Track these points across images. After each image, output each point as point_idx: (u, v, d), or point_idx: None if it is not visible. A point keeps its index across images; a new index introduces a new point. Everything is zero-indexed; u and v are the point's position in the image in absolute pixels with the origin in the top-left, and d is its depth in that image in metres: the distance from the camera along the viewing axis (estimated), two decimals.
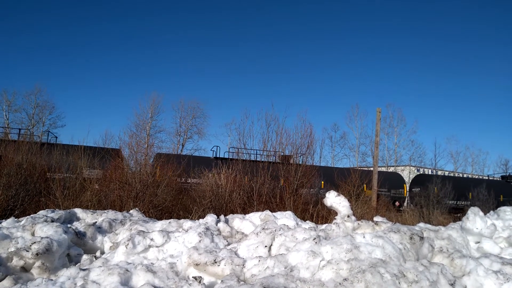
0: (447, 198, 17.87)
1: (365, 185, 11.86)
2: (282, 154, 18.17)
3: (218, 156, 18.23)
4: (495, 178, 30.55)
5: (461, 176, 34.90)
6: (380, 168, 21.58)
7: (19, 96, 40.39)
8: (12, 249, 4.67)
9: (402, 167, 39.89)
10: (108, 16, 63.92)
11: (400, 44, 66.30)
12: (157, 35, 66.14)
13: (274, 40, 68.55)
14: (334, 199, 6.39)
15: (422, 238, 5.10)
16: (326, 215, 10.04)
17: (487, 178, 34.48)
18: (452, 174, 39.66)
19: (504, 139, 64.87)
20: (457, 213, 17.40)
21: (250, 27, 69.27)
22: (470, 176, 39.19)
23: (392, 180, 15.28)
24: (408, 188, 22.44)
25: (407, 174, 35.30)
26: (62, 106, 68.10)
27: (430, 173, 38.03)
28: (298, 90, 66.15)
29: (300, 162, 12.01)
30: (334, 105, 66.22)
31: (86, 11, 60.99)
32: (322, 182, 11.68)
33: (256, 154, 18.17)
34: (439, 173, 38.57)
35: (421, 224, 6.08)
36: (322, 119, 63.29)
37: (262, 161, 17.89)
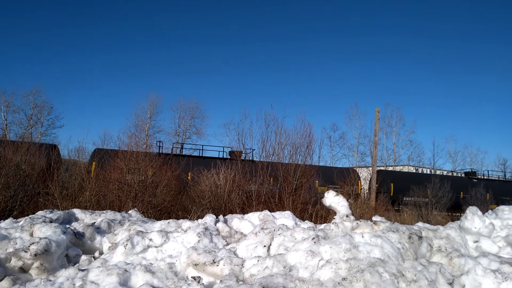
0: (403, 194, 17.84)
1: (317, 182, 11.79)
2: (231, 150, 18.18)
3: (161, 152, 17.95)
4: (459, 175, 30.51)
5: (424, 172, 34.74)
6: (378, 168, 21.55)
7: (17, 96, 40.36)
8: (11, 249, 4.66)
9: (401, 167, 39.94)
10: (107, 16, 63.92)
11: (399, 44, 66.45)
12: (156, 36, 66.17)
13: (273, 40, 68.67)
14: (333, 199, 6.40)
15: (420, 237, 5.11)
16: (325, 215, 10.05)
17: (450, 174, 34.52)
18: (420, 171, 39.64)
19: (503, 139, 65.01)
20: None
21: (249, 27, 69.34)
22: (435, 172, 39.01)
23: (346, 176, 15.20)
24: (367, 185, 22.28)
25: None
26: (61, 107, 68.17)
27: (429, 172, 38.10)
28: (297, 90, 66.26)
29: (300, 162, 12.00)
30: (333, 105, 66.34)
31: (85, 12, 60.99)
32: (271, 178, 11.60)
33: (202, 150, 18.04)
34: (439, 172, 38.60)
35: (420, 224, 6.09)
36: (321, 119, 63.40)
37: (213, 158, 17.79)
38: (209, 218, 6.02)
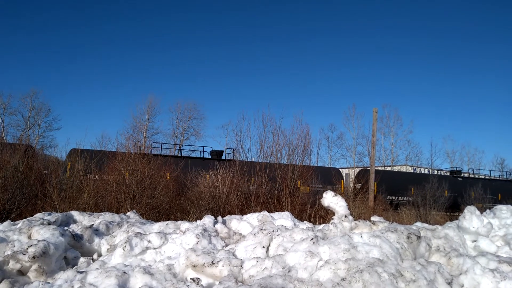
0: (386, 193, 17.77)
1: (299, 182, 11.75)
2: (212, 149, 17.99)
3: (139, 152, 17.53)
4: (444, 173, 30.45)
5: (407, 171, 34.61)
6: (376, 168, 21.58)
7: (14, 98, 40.19)
8: (9, 252, 4.64)
9: (399, 167, 40.00)
10: (104, 18, 63.83)
11: (396, 44, 66.58)
12: (154, 37, 66.10)
13: (271, 41, 68.65)
14: (331, 199, 6.41)
15: (419, 237, 5.13)
16: (323, 215, 10.05)
17: (436, 173, 34.47)
18: (418, 171, 39.62)
19: (500, 138, 65.17)
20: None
21: (247, 28, 69.37)
22: (418, 171, 38.85)
23: (328, 176, 14.97)
24: (350, 184, 22.19)
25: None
26: (58, 109, 68.10)
27: (427, 172, 38.14)
28: (295, 91, 66.24)
29: (297, 163, 12.02)
30: (331, 106, 66.31)
31: (83, 13, 60.89)
32: (253, 178, 11.48)
33: (180, 149, 17.69)
34: (426, 171, 38.49)
35: (418, 224, 6.11)
36: (319, 119, 63.24)
37: (193, 157, 17.46)
38: (207, 219, 6.02)
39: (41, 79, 58.08)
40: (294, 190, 11.40)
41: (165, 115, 63.02)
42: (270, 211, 7.58)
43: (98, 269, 4.45)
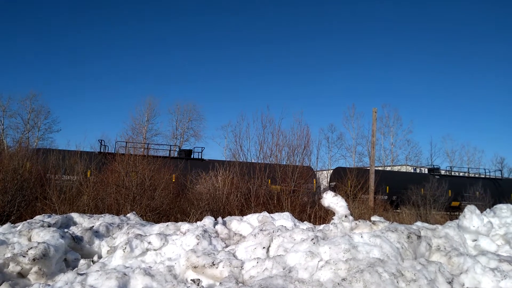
0: (361, 191, 17.75)
1: (269, 180, 11.70)
2: (180, 148, 17.63)
3: (104, 151, 16.04)
4: (423, 171, 30.31)
5: (386, 169, 34.44)
6: (376, 168, 21.55)
7: (14, 101, 40.08)
8: (9, 254, 4.64)
9: (399, 167, 40.02)
10: (104, 20, 63.87)
11: (396, 44, 66.63)
12: (153, 39, 66.12)
13: (271, 42, 68.74)
14: (331, 199, 6.41)
15: (419, 237, 5.12)
16: (323, 216, 10.05)
17: (413, 171, 34.30)
18: (418, 170, 39.51)
19: (499, 138, 65.23)
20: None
21: (246, 29, 69.42)
22: (398, 170, 38.70)
23: (300, 174, 14.77)
24: (324, 183, 21.93)
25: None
26: (58, 111, 68.17)
27: (418, 170, 38.14)
28: (295, 91, 66.29)
29: (297, 163, 12.01)
30: (330, 106, 66.44)
31: (82, 16, 60.91)
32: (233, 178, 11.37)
33: (148, 148, 17.34)
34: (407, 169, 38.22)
35: (418, 223, 6.10)
36: (319, 120, 63.35)
37: (164, 156, 17.27)
38: (208, 221, 6.01)
39: (41, 81, 58.18)
40: (294, 191, 11.40)
41: (164, 117, 63.14)
42: (270, 211, 7.57)
43: (98, 271, 4.45)
